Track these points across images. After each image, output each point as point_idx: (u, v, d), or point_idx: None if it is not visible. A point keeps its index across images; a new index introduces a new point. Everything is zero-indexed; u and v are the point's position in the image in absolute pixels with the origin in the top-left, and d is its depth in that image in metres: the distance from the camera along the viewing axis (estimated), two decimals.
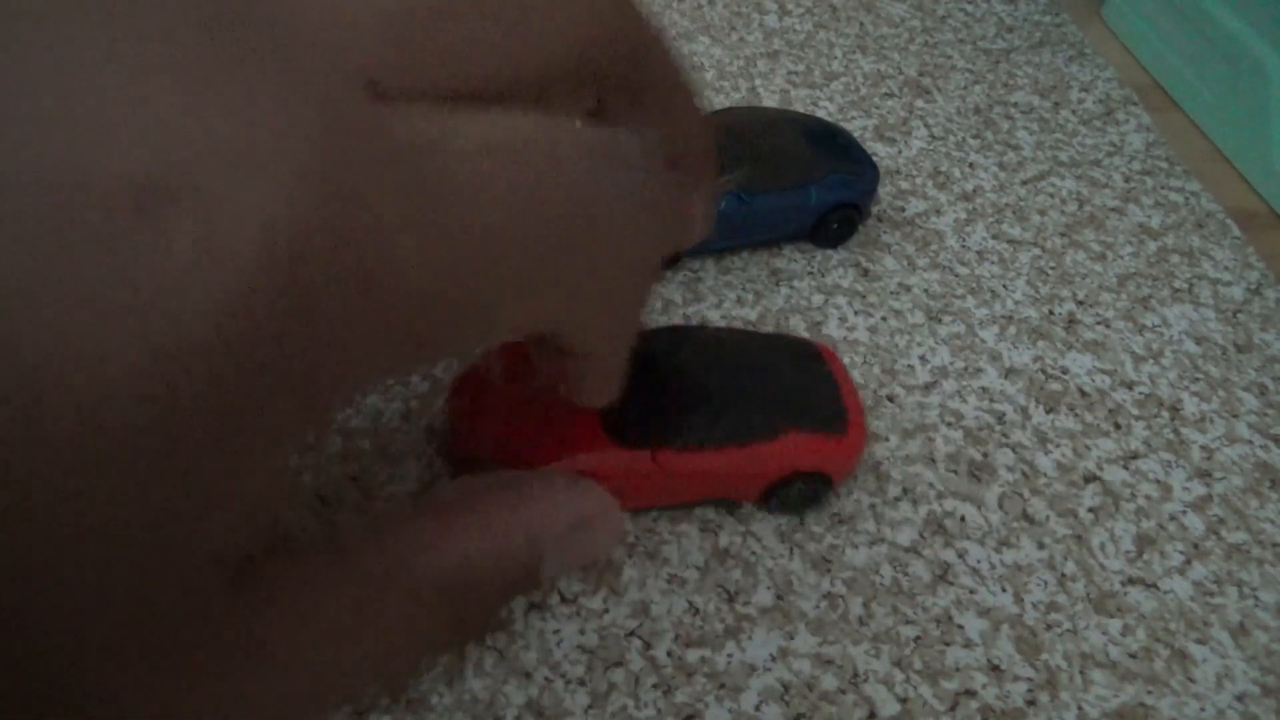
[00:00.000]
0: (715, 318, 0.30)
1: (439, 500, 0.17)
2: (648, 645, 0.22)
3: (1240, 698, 0.23)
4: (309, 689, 0.14)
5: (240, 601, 0.13)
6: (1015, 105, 0.43)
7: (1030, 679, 0.23)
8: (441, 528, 0.16)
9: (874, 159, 0.37)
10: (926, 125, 0.40)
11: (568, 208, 0.14)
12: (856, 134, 0.39)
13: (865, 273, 0.33)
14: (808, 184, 0.31)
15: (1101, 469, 0.28)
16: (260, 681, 0.13)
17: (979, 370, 0.30)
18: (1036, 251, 0.35)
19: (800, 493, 0.24)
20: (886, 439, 0.28)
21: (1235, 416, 0.30)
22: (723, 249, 0.32)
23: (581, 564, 0.21)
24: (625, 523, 0.23)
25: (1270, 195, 0.40)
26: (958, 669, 0.23)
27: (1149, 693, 0.23)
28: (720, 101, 0.39)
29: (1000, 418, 0.29)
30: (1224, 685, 0.24)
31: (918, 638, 0.23)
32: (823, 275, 0.32)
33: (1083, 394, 0.30)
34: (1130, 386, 0.31)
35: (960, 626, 0.24)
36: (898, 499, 0.26)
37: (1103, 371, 0.31)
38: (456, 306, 0.13)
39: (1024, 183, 0.38)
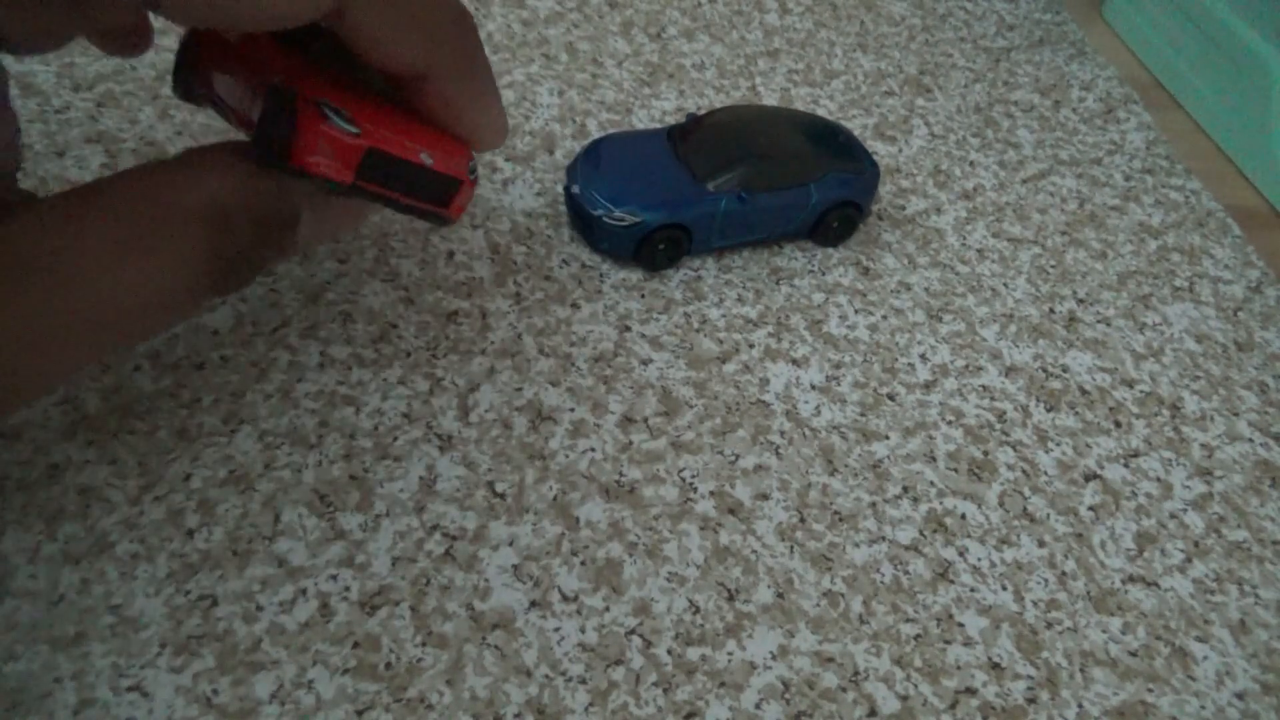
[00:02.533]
0: (716, 316, 0.30)
1: (193, 149, 0.20)
2: (648, 643, 0.22)
3: (1240, 695, 0.23)
4: (91, 307, 0.17)
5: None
6: (1016, 104, 0.43)
7: (1031, 677, 0.23)
8: (196, 169, 0.19)
9: (874, 157, 0.37)
10: (927, 123, 0.40)
11: None
12: (857, 132, 0.39)
13: (866, 271, 0.33)
14: (808, 183, 0.31)
15: (1102, 467, 0.28)
16: (37, 299, 0.16)
17: (979, 368, 0.30)
18: (1037, 250, 0.35)
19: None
20: (887, 437, 0.28)
21: (1236, 414, 0.30)
22: (723, 248, 0.32)
23: (340, 229, 0.23)
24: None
25: (1271, 193, 0.40)
26: (958, 667, 0.23)
27: (1149, 690, 0.23)
28: (720, 100, 0.39)
29: (1001, 416, 0.29)
30: (1224, 683, 0.24)
31: (918, 636, 0.23)
32: (823, 274, 0.32)
33: (1083, 392, 0.30)
34: (1131, 385, 0.31)
35: (961, 624, 0.24)
36: (898, 497, 0.26)
37: (1103, 370, 0.31)
38: None
39: (1024, 181, 0.38)
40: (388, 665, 0.21)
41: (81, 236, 0.17)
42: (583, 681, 0.21)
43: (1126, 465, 0.28)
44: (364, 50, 0.20)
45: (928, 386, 0.29)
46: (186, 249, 0.18)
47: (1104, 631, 0.24)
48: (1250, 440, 0.30)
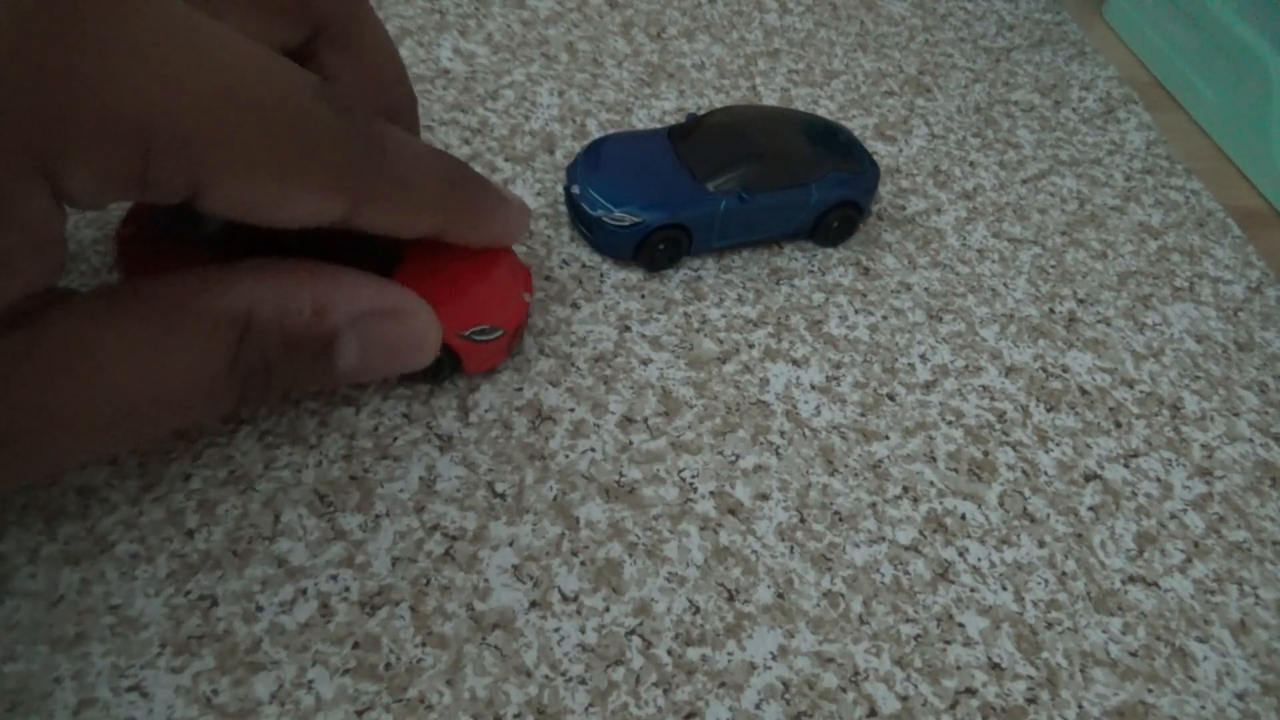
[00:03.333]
0: (716, 316, 0.30)
1: (234, 263, 0.20)
2: (648, 644, 0.22)
3: (1241, 696, 0.23)
4: (110, 397, 0.17)
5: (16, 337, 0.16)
6: (1016, 104, 0.43)
7: (1031, 677, 0.23)
8: (230, 271, 0.19)
9: (874, 157, 0.37)
10: (927, 123, 0.40)
11: (261, 93, 0.17)
12: (857, 132, 0.39)
13: (866, 271, 0.33)
14: (808, 183, 0.31)
15: (1102, 467, 0.28)
16: (62, 385, 0.17)
17: (979, 369, 0.30)
18: (1037, 250, 0.35)
19: None
20: (887, 437, 0.28)
21: (1236, 415, 0.30)
22: (723, 248, 0.32)
23: (389, 363, 0.22)
24: (437, 329, 0.23)
25: (1271, 193, 0.40)
26: (958, 667, 0.23)
27: (1149, 691, 0.23)
28: (720, 100, 0.39)
29: (1001, 416, 0.29)
30: (1224, 683, 0.24)
31: (918, 636, 0.23)
32: (823, 274, 0.32)
33: (1083, 392, 0.30)
34: (1131, 385, 0.31)
35: (961, 625, 0.24)
36: (898, 497, 0.26)
37: (1103, 370, 0.31)
38: (167, 138, 0.16)
39: (1024, 181, 0.38)
40: (388, 665, 0.21)
41: (106, 331, 0.17)
42: (583, 682, 0.21)
43: (1126, 465, 0.28)
44: (379, 233, 0.21)
45: (928, 386, 0.29)
46: (206, 351, 0.18)
47: (1104, 632, 0.24)
48: (1250, 440, 0.30)
